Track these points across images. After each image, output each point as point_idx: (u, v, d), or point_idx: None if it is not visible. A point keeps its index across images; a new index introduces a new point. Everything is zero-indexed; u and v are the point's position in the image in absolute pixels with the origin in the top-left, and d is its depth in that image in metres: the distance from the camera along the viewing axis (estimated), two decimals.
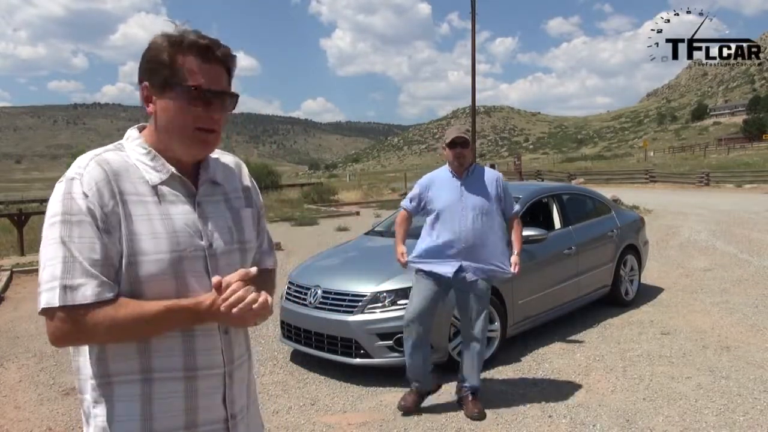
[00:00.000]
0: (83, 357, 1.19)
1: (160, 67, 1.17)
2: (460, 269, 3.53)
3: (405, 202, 3.92)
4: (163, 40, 1.18)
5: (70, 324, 1.08)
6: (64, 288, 1.07)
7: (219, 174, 1.31)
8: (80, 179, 1.12)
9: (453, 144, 3.58)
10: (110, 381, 1.17)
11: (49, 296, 1.08)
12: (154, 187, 1.19)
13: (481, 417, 3.52)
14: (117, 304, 1.10)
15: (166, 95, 1.18)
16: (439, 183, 3.73)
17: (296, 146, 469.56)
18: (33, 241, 10.56)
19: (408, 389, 3.75)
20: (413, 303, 3.65)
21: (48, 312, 1.08)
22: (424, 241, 3.66)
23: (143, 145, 1.22)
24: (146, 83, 1.20)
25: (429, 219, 3.69)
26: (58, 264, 1.08)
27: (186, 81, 1.17)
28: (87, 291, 1.08)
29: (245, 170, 1.40)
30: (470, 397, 3.63)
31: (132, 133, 1.26)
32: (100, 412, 1.18)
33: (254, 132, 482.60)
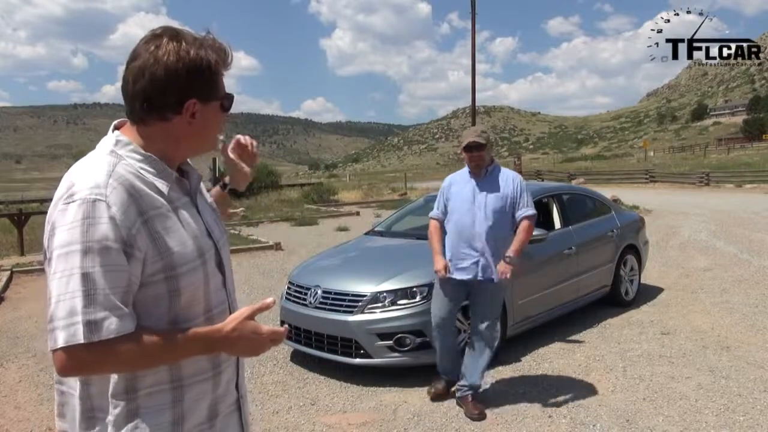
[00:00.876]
0: (94, 380, 1.13)
1: (211, 81, 1.17)
2: (474, 268, 3.56)
3: (432, 212, 3.89)
4: (212, 55, 1.16)
5: (91, 359, 1.02)
6: (88, 323, 1.00)
7: (194, 171, 1.32)
8: (105, 200, 1.04)
9: (468, 148, 3.61)
10: (137, 396, 1.13)
11: (69, 333, 1.00)
12: (167, 196, 1.16)
13: (481, 418, 3.51)
14: (138, 335, 1.06)
15: (209, 107, 1.19)
16: (457, 183, 3.78)
17: (296, 146, 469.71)
18: (33, 241, 10.55)
19: (428, 386, 3.75)
20: (436, 308, 3.73)
21: (69, 348, 1.00)
22: (447, 246, 3.71)
23: (138, 151, 1.16)
24: (195, 100, 1.15)
25: (447, 219, 3.74)
26: (79, 297, 1.00)
27: (222, 91, 1.22)
28: (111, 325, 1.02)
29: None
30: (470, 398, 3.63)
31: (120, 137, 1.17)
32: (125, 428, 1.13)
33: (254, 132, 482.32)
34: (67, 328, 1.00)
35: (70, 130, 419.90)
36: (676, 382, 4.00)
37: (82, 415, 1.16)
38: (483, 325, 3.61)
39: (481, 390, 3.74)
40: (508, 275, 3.50)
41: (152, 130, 1.17)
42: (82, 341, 1.00)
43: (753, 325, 5.26)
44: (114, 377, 1.12)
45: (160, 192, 1.14)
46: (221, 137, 1.32)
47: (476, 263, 3.56)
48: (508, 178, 3.64)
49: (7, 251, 10.63)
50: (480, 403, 3.63)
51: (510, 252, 3.53)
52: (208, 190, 1.46)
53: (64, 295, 1.01)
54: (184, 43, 1.13)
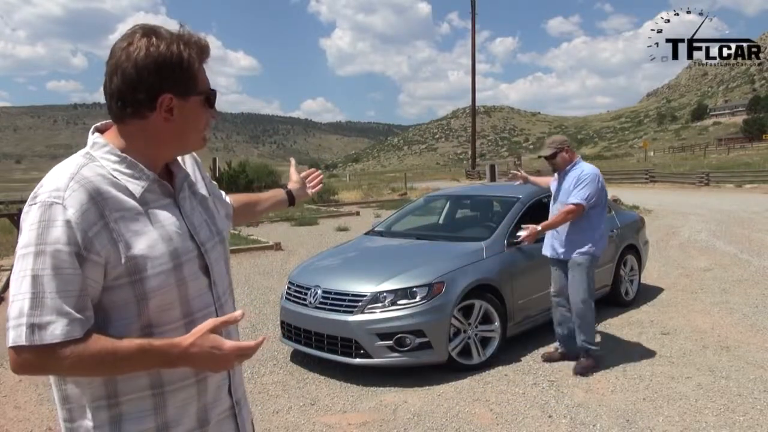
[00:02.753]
0: (72, 384, 1.13)
1: (185, 75, 1.13)
2: (555, 249, 4.36)
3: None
4: (185, 49, 1.13)
5: (36, 361, 1.02)
6: (32, 326, 1.00)
7: (182, 170, 1.28)
8: (62, 203, 1.04)
9: (545, 159, 4.45)
10: (118, 401, 1.12)
11: (16, 334, 1.00)
12: (139, 197, 1.13)
13: (585, 374, 4.10)
14: (87, 341, 1.03)
15: (189, 103, 1.16)
16: (553, 180, 4.57)
17: (296, 146, 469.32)
18: None
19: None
20: (552, 283, 4.48)
21: (15, 349, 1.01)
22: None
23: (114, 152, 1.14)
24: (169, 95, 1.12)
25: None
26: (27, 299, 1.01)
27: (203, 86, 1.17)
28: (56, 330, 1.01)
29: (196, 158, 1.38)
30: (582, 355, 4.24)
31: (97, 139, 1.16)
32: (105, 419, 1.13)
33: (254, 132, 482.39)
34: (15, 328, 1.01)
35: (70, 130, 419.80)
36: (676, 382, 4.00)
37: (63, 420, 1.17)
38: (573, 297, 4.25)
39: (591, 350, 4.24)
40: (526, 239, 4.19)
41: (131, 129, 1.15)
42: (24, 343, 1.00)
43: (753, 325, 5.26)
44: (92, 382, 1.11)
45: (131, 194, 1.12)
46: (207, 134, 1.25)
47: (553, 245, 4.38)
48: (575, 174, 4.26)
49: (7, 251, 10.63)
50: (590, 362, 4.20)
51: (541, 224, 4.22)
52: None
53: (15, 296, 1.02)
54: (155, 39, 1.11)
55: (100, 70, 1.17)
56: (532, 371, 4.29)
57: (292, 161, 2.10)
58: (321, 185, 1.95)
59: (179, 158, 1.29)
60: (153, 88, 1.11)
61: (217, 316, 1.22)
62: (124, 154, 1.14)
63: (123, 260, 1.07)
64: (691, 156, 57.54)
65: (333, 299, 4.27)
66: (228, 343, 1.09)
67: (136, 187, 1.13)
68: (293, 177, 1.89)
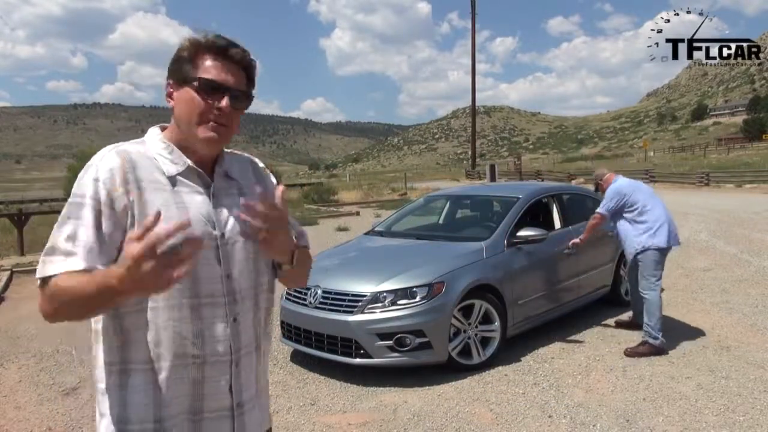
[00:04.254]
0: (97, 345, 1.25)
1: (182, 64, 1.25)
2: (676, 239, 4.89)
3: None
4: (186, 41, 1.26)
5: (41, 297, 1.15)
6: (43, 261, 1.16)
7: (234, 170, 1.36)
8: (96, 165, 1.20)
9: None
10: (126, 368, 1.22)
11: (37, 270, 1.17)
12: (171, 178, 1.25)
13: (632, 355, 4.51)
14: (72, 273, 1.12)
15: (183, 89, 1.25)
16: None
17: (296, 146, 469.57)
18: (33, 241, 10.55)
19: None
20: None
21: (39, 285, 1.17)
22: None
23: (163, 140, 1.29)
24: (171, 80, 1.27)
25: None
26: (51, 239, 1.17)
27: (199, 75, 1.24)
28: (56, 265, 1.14)
29: (260, 166, 1.46)
30: (645, 341, 4.58)
31: (154, 130, 1.33)
32: (112, 399, 1.22)
33: (254, 132, 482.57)
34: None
35: (70, 130, 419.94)
36: (676, 382, 4.00)
37: (95, 381, 1.28)
38: (637, 284, 4.82)
39: (656, 342, 4.53)
40: (569, 249, 5.10)
41: (171, 125, 1.32)
42: (36, 276, 1.16)
43: (753, 325, 5.26)
44: (103, 347, 1.23)
45: (162, 173, 1.25)
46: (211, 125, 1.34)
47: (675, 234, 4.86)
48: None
49: (7, 251, 10.63)
50: (642, 349, 4.54)
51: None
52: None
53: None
54: (187, 38, 1.27)
55: (100, 70, 1.24)
56: (532, 371, 4.29)
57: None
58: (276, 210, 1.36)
59: (231, 162, 1.36)
60: (167, 75, 1.29)
61: (227, 310, 1.26)
62: (169, 143, 1.29)
63: (137, 224, 1.17)
64: (691, 156, 57.55)
65: (333, 299, 4.27)
66: (135, 234, 0.98)
67: (171, 168, 1.26)
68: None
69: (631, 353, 4.53)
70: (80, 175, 1.22)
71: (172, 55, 1.28)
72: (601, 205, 4.96)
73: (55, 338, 5.33)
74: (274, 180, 1.46)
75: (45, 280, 1.14)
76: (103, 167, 1.20)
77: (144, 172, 1.22)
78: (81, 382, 4.31)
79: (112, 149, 1.24)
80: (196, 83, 1.23)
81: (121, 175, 1.19)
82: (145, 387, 1.21)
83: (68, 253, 1.14)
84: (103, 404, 1.24)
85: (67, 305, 1.13)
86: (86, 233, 1.16)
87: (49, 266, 1.14)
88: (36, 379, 4.43)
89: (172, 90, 1.27)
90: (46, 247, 1.17)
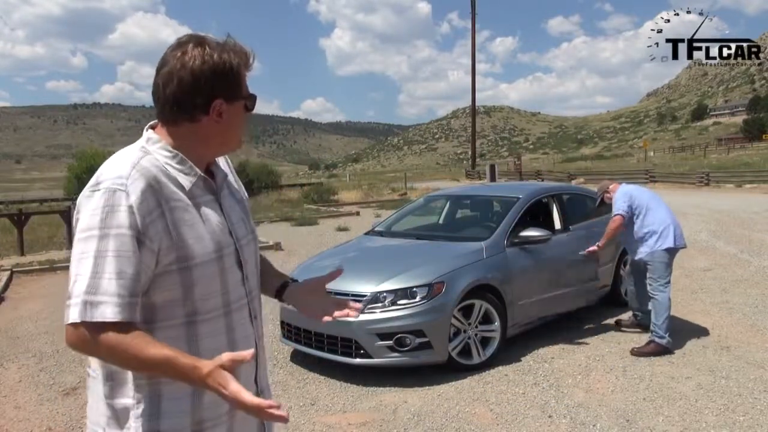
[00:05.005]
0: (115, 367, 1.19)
1: (234, 81, 1.23)
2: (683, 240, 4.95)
3: None
4: (232, 55, 1.22)
5: (84, 337, 1.08)
6: (86, 304, 1.07)
7: (221, 171, 1.37)
8: (125, 190, 1.11)
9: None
10: (159, 380, 1.17)
11: (72, 312, 1.07)
12: (188, 191, 1.22)
13: (638, 355, 4.52)
14: (129, 331, 1.08)
15: (234, 107, 1.25)
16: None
17: (296, 146, 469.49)
18: (33, 241, 10.56)
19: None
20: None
21: (72, 324, 1.08)
22: None
23: (167, 148, 1.23)
24: (221, 100, 1.22)
25: None
26: (86, 278, 1.07)
27: (245, 91, 1.27)
28: (107, 310, 1.07)
29: (228, 161, 1.47)
30: (652, 342, 4.62)
31: (151, 135, 1.26)
32: (144, 411, 1.17)
33: (254, 132, 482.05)
34: (74, 306, 1.07)
35: (70, 130, 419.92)
36: (676, 382, 4.00)
37: (105, 396, 1.20)
38: (647, 286, 4.85)
39: (663, 341, 4.58)
40: (589, 254, 4.97)
41: (182, 131, 1.24)
42: (77, 320, 1.07)
43: (753, 325, 5.26)
44: None
45: (181, 187, 1.21)
46: (244, 137, 1.37)
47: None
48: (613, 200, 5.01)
49: (7, 251, 10.63)
50: (649, 348, 4.57)
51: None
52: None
53: (77, 276, 1.09)
54: (207, 48, 1.20)
55: (100, 70, 1.19)
56: (532, 371, 4.29)
57: (337, 276, 1.60)
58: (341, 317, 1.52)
59: (216, 159, 1.37)
60: (209, 93, 1.20)
61: (249, 308, 1.31)
62: (175, 151, 1.23)
63: (174, 247, 1.15)
64: (691, 156, 57.53)
65: None
66: (232, 386, 1.06)
67: (186, 181, 1.22)
68: (316, 286, 1.59)
69: (637, 353, 4.55)
70: (98, 200, 1.11)
71: (211, 71, 1.19)
72: (615, 208, 4.91)
73: (55, 338, 5.33)
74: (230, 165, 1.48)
75: (90, 324, 1.07)
76: (134, 192, 1.12)
77: (167, 190, 1.18)
78: (81, 382, 4.31)
79: (132, 168, 1.15)
80: (247, 102, 1.27)
81: (155, 199, 1.14)
82: (182, 396, 1.18)
83: (117, 295, 1.08)
84: (130, 419, 1.18)
85: (118, 359, 1.10)
86: (132, 269, 1.09)
87: (101, 310, 1.07)
88: (36, 379, 4.43)
89: (221, 110, 1.22)
90: (85, 284, 1.07)
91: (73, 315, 1.07)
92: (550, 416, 3.53)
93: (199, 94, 1.19)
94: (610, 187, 5.19)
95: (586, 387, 3.97)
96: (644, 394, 3.82)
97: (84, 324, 1.07)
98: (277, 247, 10.36)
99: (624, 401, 3.71)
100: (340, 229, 12.79)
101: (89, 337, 1.08)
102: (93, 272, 1.08)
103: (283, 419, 1.07)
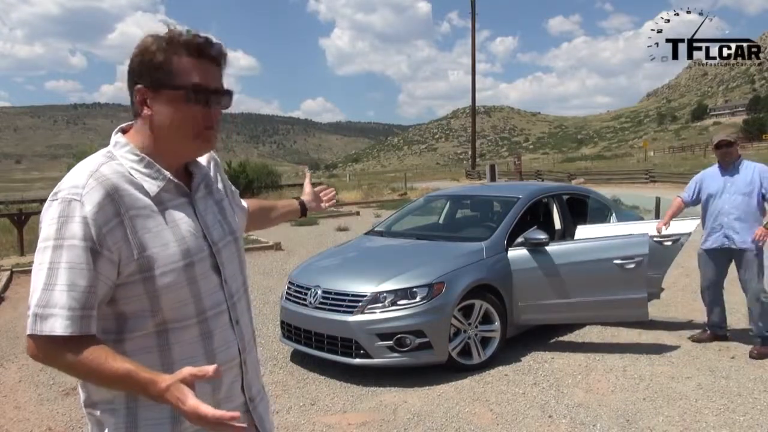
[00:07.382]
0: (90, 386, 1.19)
1: (155, 68, 1.14)
2: (727, 240, 4.46)
3: (683, 194, 4.91)
4: (154, 41, 1.15)
5: (38, 351, 1.07)
6: (35, 316, 1.05)
7: (202, 170, 1.31)
8: (80, 200, 1.08)
9: (719, 146, 4.57)
10: (136, 403, 1.16)
11: (28, 322, 1.07)
12: (154, 196, 1.16)
13: (760, 357, 4.32)
14: (84, 346, 1.06)
15: (162, 97, 1.15)
16: (709, 177, 4.71)
17: (296, 146, 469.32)
18: (33, 241, 10.53)
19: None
20: (704, 272, 4.69)
21: (30, 337, 1.08)
22: (705, 226, 4.68)
23: (134, 152, 1.18)
24: (141, 86, 1.16)
25: (702, 206, 4.70)
26: (39, 291, 1.06)
27: (182, 80, 1.15)
28: (56, 323, 1.05)
29: (215, 158, 1.41)
30: (759, 343, 4.43)
31: (119, 138, 1.20)
32: (121, 420, 1.16)
33: (254, 132, 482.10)
34: (29, 318, 1.07)
35: (70, 130, 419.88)
36: (676, 382, 4.00)
37: (83, 403, 1.21)
38: (749, 282, 4.42)
39: None
40: (765, 238, 4.28)
41: (138, 127, 1.21)
42: (28, 332, 1.06)
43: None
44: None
45: (146, 193, 1.15)
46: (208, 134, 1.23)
47: (724, 235, 4.47)
48: (752, 168, 4.47)
49: (7, 251, 10.63)
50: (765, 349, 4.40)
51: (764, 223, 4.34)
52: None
53: (33, 286, 1.08)
54: (147, 38, 1.16)
55: (100, 70, 1.18)
56: (532, 371, 4.29)
57: (308, 174, 2.17)
58: (334, 201, 2.02)
59: (199, 158, 1.32)
60: (133, 79, 1.17)
61: (229, 314, 1.26)
62: (142, 154, 1.18)
63: (135, 257, 1.11)
64: (691, 156, 57.49)
65: (333, 299, 4.27)
66: (190, 401, 1.03)
67: (152, 186, 1.17)
68: (307, 189, 1.96)
69: (757, 355, 4.37)
70: (55, 210, 1.08)
71: (137, 58, 1.16)
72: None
73: None
74: (224, 175, 1.45)
75: (41, 337, 1.05)
76: (89, 202, 1.07)
77: (127, 198, 1.12)
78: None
79: (89, 177, 1.10)
80: (183, 91, 1.15)
81: (112, 208, 1.09)
82: (161, 405, 1.13)
83: (67, 308, 1.05)
84: (108, 427, 1.17)
85: (78, 373, 1.09)
86: (85, 282, 1.06)
87: (50, 323, 1.04)
88: (36, 379, 4.43)
89: (145, 97, 1.16)
90: (37, 297, 1.05)
91: (28, 328, 1.06)
92: (550, 416, 3.53)
93: (131, 84, 1.17)
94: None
95: (586, 387, 3.97)
96: (644, 394, 3.82)
97: (35, 338, 1.06)
98: (277, 247, 10.36)
99: (624, 401, 3.71)
100: (340, 229, 12.79)
101: (45, 350, 1.06)
102: (45, 284, 1.05)
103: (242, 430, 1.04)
